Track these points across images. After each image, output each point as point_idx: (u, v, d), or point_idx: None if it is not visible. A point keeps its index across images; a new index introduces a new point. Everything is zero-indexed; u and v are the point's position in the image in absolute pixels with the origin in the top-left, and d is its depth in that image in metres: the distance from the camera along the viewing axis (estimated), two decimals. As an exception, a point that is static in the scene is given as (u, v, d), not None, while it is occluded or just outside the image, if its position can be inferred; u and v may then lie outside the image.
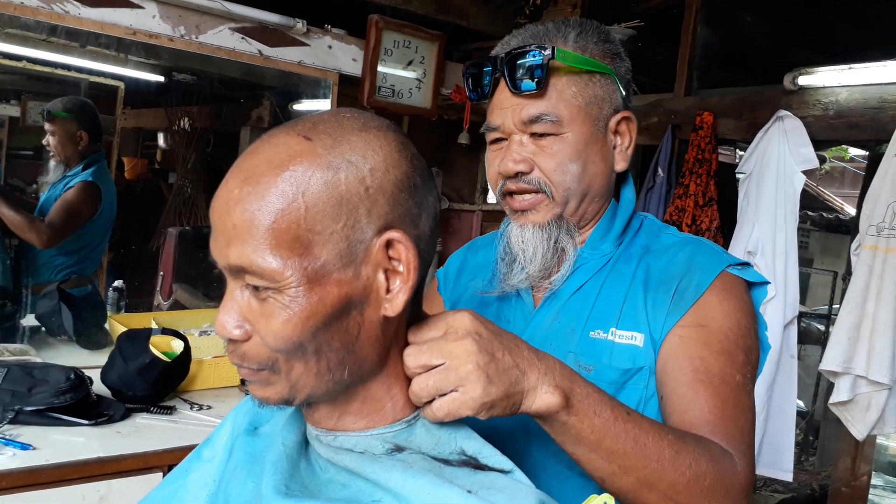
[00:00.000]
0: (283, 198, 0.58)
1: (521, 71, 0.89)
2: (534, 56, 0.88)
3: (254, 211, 0.58)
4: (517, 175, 0.92)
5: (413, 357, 0.66)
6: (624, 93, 0.95)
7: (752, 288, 0.93)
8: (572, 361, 0.90)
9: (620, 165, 0.96)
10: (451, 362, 0.64)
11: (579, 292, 0.94)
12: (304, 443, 0.70)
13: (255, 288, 0.60)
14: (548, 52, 0.87)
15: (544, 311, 0.96)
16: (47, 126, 2.49)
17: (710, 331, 0.85)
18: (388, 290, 0.62)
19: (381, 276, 0.62)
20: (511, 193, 0.94)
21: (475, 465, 0.65)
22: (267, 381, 0.63)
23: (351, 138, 0.62)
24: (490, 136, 0.96)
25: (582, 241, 0.96)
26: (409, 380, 0.67)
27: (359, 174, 0.60)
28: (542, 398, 0.68)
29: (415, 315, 0.69)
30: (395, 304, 0.63)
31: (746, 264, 0.92)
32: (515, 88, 0.90)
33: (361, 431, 0.66)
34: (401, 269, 0.62)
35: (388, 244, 0.62)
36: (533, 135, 0.91)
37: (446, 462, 0.65)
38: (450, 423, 0.67)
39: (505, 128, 0.93)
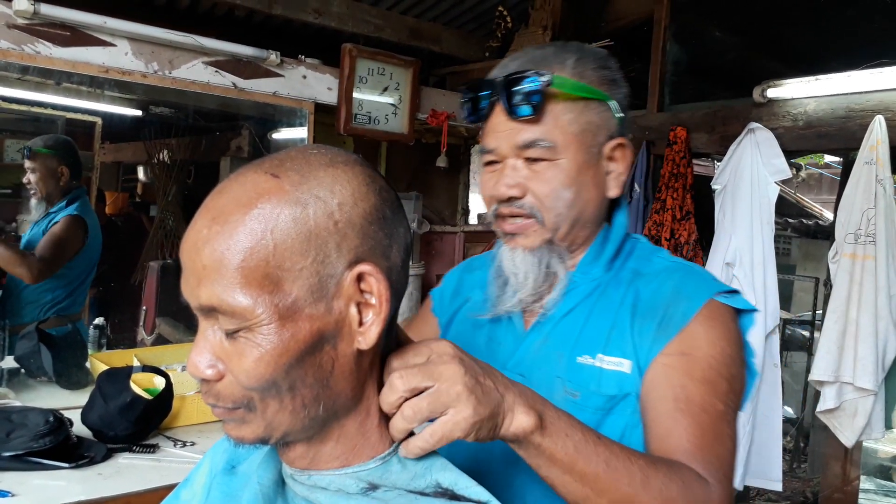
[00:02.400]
0: (251, 236, 0.58)
1: (517, 96, 0.89)
2: (531, 82, 0.88)
3: (223, 250, 0.58)
4: (510, 199, 0.92)
5: (405, 380, 0.65)
6: (622, 119, 0.95)
7: (740, 315, 0.92)
8: (559, 386, 0.90)
9: (614, 192, 0.96)
10: (440, 385, 0.64)
11: (568, 316, 0.94)
12: (281, 481, 0.70)
13: (228, 327, 0.60)
14: (546, 78, 0.88)
15: (534, 335, 0.96)
16: (28, 164, 2.50)
17: (693, 359, 0.85)
18: (360, 324, 0.62)
19: (353, 310, 0.62)
20: (503, 216, 0.95)
21: (451, 495, 0.65)
22: (242, 420, 0.63)
23: (318, 174, 0.62)
24: (484, 158, 0.96)
25: (573, 265, 0.97)
26: (384, 415, 0.67)
27: (327, 209, 0.60)
28: (518, 419, 0.68)
29: (388, 347, 0.69)
30: (368, 336, 0.63)
31: (735, 292, 0.92)
32: (512, 113, 0.90)
33: (336, 470, 0.66)
34: (373, 301, 0.63)
35: (360, 277, 0.62)
36: (527, 159, 0.91)
37: (422, 493, 0.64)
38: (425, 457, 0.67)
39: (500, 151, 0.93)
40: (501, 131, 0.92)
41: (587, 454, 0.71)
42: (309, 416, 0.63)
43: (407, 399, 0.65)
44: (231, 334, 0.60)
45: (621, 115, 0.94)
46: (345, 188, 0.62)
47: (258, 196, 0.59)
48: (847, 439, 2.31)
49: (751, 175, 2.52)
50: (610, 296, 0.94)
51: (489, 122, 0.94)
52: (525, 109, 0.89)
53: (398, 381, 0.65)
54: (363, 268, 0.61)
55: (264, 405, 0.61)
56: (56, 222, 2.47)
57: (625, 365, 0.88)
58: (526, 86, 0.88)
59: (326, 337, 0.61)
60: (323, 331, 0.60)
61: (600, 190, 0.95)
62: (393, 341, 0.70)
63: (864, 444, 2.74)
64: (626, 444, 0.77)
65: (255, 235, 0.58)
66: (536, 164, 0.91)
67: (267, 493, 0.67)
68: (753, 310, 0.93)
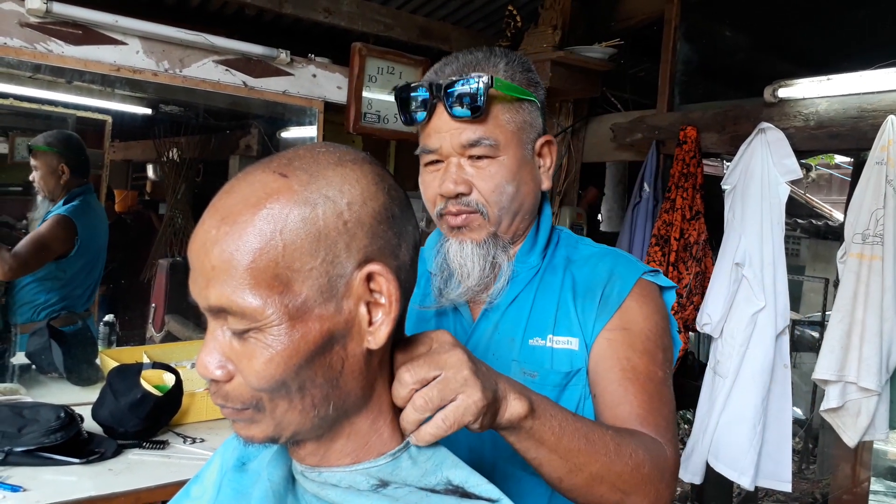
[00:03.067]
0: (260, 236, 0.58)
1: (461, 98, 0.93)
2: (474, 84, 0.92)
3: (232, 251, 0.58)
4: (457, 196, 0.97)
5: (412, 372, 0.66)
6: (544, 118, 1.02)
7: (663, 292, 1.01)
8: (516, 369, 0.96)
9: (545, 185, 1.03)
10: (447, 372, 0.66)
11: (515, 303, 1.00)
12: (291, 478, 0.70)
13: (237, 327, 0.60)
14: (486, 79, 0.92)
15: (484, 324, 1.01)
16: (32, 161, 2.50)
17: (633, 333, 0.94)
18: (370, 323, 0.62)
19: (362, 310, 0.62)
20: (449, 213, 0.99)
21: (462, 493, 0.65)
22: (251, 420, 0.63)
23: (327, 173, 0.62)
24: (426, 159, 1.00)
25: (512, 255, 1.02)
26: (394, 412, 0.67)
27: (336, 209, 0.60)
28: (512, 405, 0.71)
29: (398, 345, 0.69)
30: (377, 336, 0.63)
31: (657, 271, 1.02)
32: (455, 114, 0.94)
33: (346, 467, 0.66)
34: (382, 301, 0.63)
35: (369, 277, 0.62)
36: (470, 157, 0.96)
37: (432, 490, 0.65)
38: (435, 454, 0.67)
39: (443, 151, 0.97)
40: (444, 132, 0.96)
41: (570, 432, 0.76)
42: (318, 416, 0.63)
43: (417, 390, 0.66)
44: (240, 335, 0.60)
45: (543, 114, 1.02)
46: (354, 187, 0.62)
47: (267, 196, 0.59)
48: (850, 439, 2.29)
49: (761, 175, 2.50)
50: (549, 281, 1.01)
51: (430, 124, 0.98)
52: (468, 110, 0.93)
53: (406, 375, 0.66)
54: (372, 267, 0.61)
55: (273, 405, 0.61)
56: (45, 221, 2.46)
57: (573, 343, 0.96)
58: (468, 88, 0.93)
59: (336, 337, 0.61)
60: (333, 331, 0.60)
61: (536, 183, 1.01)
62: (402, 339, 0.70)
63: (874, 445, 2.72)
64: (581, 415, 0.83)
65: (265, 236, 0.58)
66: (480, 161, 0.96)
67: (277, 490, 0.67)
68: (674, 286, 1.03)
